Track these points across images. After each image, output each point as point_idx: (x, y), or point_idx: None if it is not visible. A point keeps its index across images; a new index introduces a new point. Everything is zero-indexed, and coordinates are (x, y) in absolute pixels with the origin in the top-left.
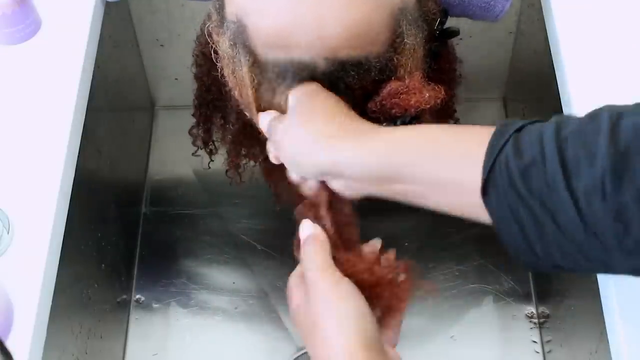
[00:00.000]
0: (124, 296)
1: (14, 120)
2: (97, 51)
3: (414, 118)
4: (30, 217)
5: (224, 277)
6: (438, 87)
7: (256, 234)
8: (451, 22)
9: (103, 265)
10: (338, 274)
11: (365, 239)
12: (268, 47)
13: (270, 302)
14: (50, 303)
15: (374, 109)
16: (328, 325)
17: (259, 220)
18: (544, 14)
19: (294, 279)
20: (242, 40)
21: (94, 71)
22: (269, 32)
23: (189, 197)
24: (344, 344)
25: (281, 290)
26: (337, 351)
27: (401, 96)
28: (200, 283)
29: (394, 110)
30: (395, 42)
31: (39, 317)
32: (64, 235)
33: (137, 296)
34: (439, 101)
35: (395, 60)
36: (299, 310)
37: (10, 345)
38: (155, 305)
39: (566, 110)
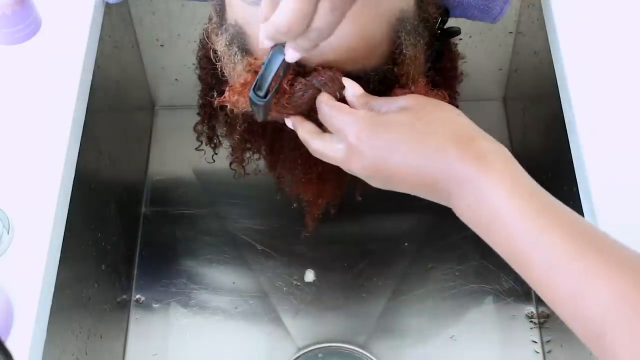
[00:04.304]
0: (124, 296)
1: (14, 120)
2: (97, 51)
3: None
4: (30, 217)
5: (224, 277)
6: (442, 93)
7: (256, 234)
8: (450, 22)
9: (103, 265)
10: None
11: (366, 238)
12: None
13: (270, 302)
14: (50, 303)
15: None
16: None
17: (259, 220)
18: (544, 14)
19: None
20: (240, 43)
21: (94, 71)
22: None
23: (189, 197)
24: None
25: (281, 290)
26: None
27: None
28: (200, 283)
29: None
30: (394, 54)
31: (39, 317)
32: (64, 235)
33: (137, 296)
34: None
35: (394, 70)
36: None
37: (10, 345)
38: (155, 305)
39: (566, 110)
